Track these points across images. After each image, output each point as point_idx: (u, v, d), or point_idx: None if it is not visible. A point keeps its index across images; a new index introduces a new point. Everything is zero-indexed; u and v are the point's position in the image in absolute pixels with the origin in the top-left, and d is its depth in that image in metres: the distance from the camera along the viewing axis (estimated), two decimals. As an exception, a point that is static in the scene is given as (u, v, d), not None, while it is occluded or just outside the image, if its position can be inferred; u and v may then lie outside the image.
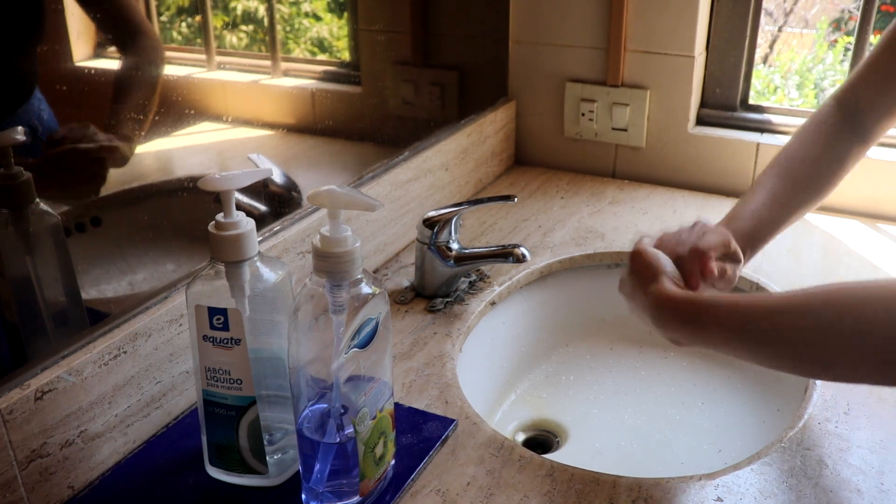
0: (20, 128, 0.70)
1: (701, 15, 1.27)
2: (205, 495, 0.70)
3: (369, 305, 0.62)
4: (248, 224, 0.63)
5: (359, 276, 0.61)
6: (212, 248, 0.63)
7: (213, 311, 0.63)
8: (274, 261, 0.67)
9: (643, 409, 1.02)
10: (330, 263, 0.59)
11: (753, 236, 0.83)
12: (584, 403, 1.04)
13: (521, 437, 1.01)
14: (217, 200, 0.91)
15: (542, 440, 1.00)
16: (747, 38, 1.30)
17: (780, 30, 3.09)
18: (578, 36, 1.35)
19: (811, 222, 1.21)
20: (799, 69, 2.90)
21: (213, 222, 0.63)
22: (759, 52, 2.93)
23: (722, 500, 0.69)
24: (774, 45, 3.15)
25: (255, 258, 0.64)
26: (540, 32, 1.38)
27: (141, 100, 0.79)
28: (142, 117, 0.79)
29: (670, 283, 0.72)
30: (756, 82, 2.72)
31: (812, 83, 2.81)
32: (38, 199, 0.72)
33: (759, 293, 0.75)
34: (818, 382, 0.84)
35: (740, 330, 0.66)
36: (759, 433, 0.92)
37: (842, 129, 0.88)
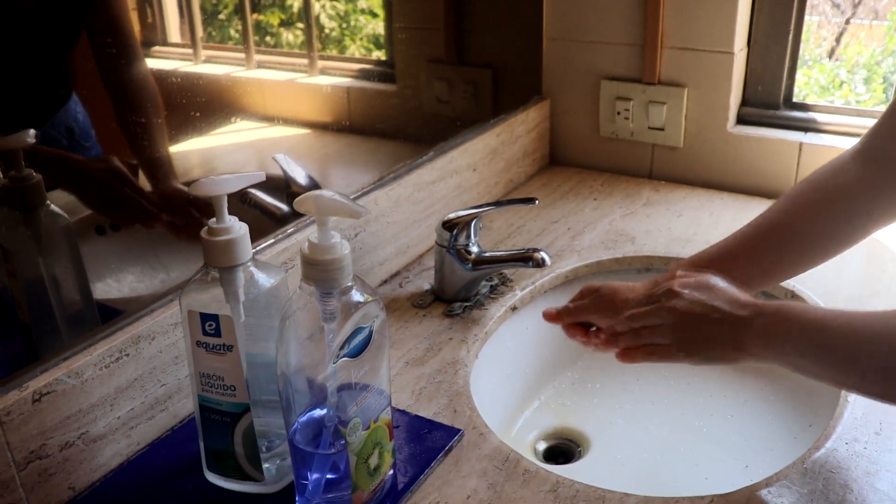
0: (31, 131, 0.71)
1: (741, 9, 1.21)
2: (203, 500, 0.69)
3: (361, 313, 0.60)
4: (241, 229, 0.62)
5: (349, 284, 0.60)
6: (205, 254, 0.62)
7: (204, 317, 0.62)
8: (269, 266, 0.66)
9: (669, 420, 0.99)
10: (318, 271, 0.58)
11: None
12: (609, 412, 1.01)
13: (542, 446, 0.98)
14: (243, 200, 0.92)
15: (563, 449, 0.98)
16: (791, 33, 1.24)
17: (847, 22, 2.97)
18: (614, 32, 1.31)
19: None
20: (867, 63, 2.78)
21: (206, 228, 0.62)
22: (825, 46, 2.82)
23: (735, 523, 0.66)
24: (841, 38, 3.03)
25: (249, 263, 0.63)
26: (575, 29, 1.34)
27: (147, 112, 0.80)
28: (154, 127, 0.80)
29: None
30: (821, 77, 2.62)
31: (881, 77, 2.69)
32: (48, 202, 0.73)
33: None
34: (850, 398, 0.80)
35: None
36: (789, 449, 0.88)
37: (870, 182, 0.78)
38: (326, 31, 1.01)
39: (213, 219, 0.62)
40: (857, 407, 0.78)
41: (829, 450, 0.73)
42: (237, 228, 0.62)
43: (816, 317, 0.68)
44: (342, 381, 0.61)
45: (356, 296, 0.60)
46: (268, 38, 0.94)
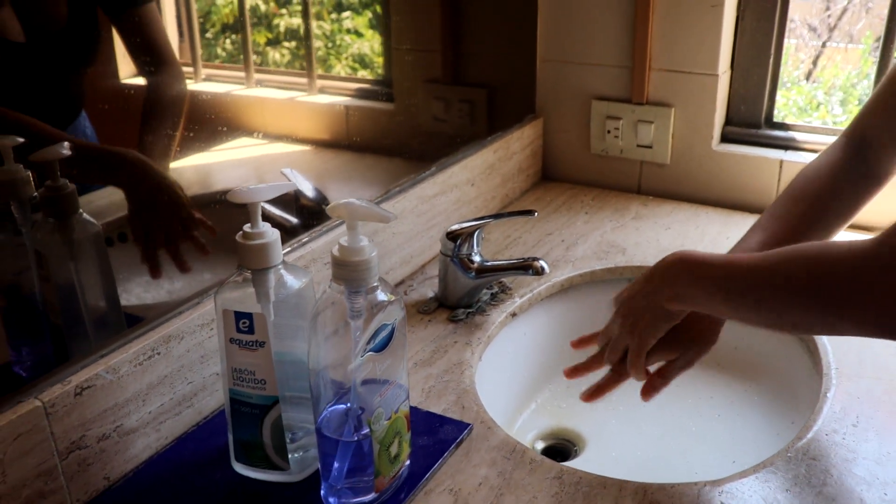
0: (66, 143, 0.76)
1: (725, 34, 1.29)
2: (230, 489, 0.74)
3: (385, 311, 0.66)
4: (273, 234, 0.67)
5: (375, 284, 0.65)
6: (239, 256, 0.67)
7: (239, 315, 0.67)
8: (298, 269, 0.71)
9: (660, 420, 1.04)
10: (348, 271, 0.63)
11: None
12: (603, 413, 1.06)
13: (540, 446, 1.03)
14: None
15: (560, 448, 1.03)
16: (772, 56, 1.31)
17: (823, 45, 3.07)
18: (604, 55, 1.38)
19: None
20: (843, 85, 2.87)
21: (241, 232, 0.67)
22: (803, 68, 2.90)
23: (726, 506, 0.71)
24: (818, 60, 3.12)
25: (280, 266, 0.68)
26: (567, 51, 1.41)
27: (168, 126, 0.85)
28: (170, 141, 0.85)
29: None
30: (799, 98, 2.70)
31: (856, 99, 2.78)
32: (81, 210, 0.78)
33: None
34: (829, 395, 0.86)
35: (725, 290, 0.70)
36: (773, 445, 0.93)
37: (851, 169, 0.84)
38: (313, 49, 1.06)
39: (248, 224, 0.67)
40: (836, 402, 0.84)
41: (810, 440, 0.79)
42: (270, 234, 0.67)
43: (717, 257, 0.72)
44: (367, 375, 0.66)
45: (381, 295, 0.66)
46: (254, 57, 0.98)
